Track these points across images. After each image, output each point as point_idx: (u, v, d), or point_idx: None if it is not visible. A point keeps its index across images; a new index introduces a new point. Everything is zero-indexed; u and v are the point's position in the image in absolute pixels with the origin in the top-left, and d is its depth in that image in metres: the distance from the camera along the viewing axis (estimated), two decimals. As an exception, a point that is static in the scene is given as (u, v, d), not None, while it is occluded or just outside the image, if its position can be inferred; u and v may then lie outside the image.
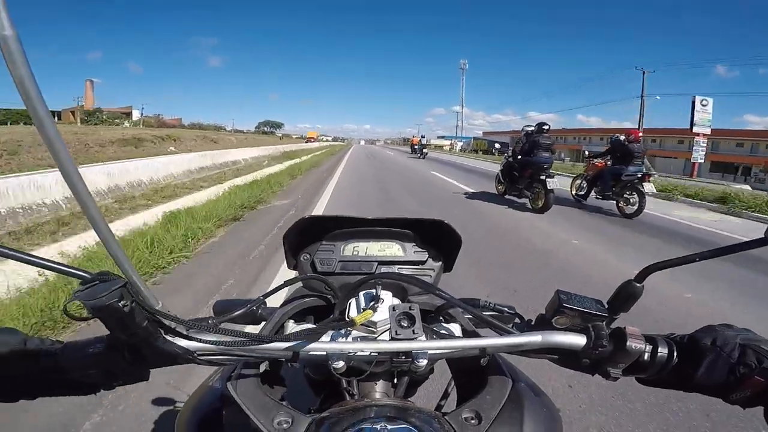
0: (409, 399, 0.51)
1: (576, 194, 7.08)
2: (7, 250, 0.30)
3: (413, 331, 0.39)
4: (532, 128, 6.37)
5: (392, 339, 0.39)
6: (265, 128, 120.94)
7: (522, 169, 6.26)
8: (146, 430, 1.35)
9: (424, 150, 22.71)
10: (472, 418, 0.38)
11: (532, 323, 0.45)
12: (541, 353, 0.41)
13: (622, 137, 6.21)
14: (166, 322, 0.35)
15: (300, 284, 0.54)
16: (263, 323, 0.51)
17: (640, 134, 6.27)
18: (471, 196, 7.72)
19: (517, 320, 0.48)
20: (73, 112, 61.67)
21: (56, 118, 57.12)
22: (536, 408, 0.41)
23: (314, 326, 0.46)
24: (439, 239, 0.57)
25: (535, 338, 0.39)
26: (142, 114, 66.00)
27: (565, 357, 0.41)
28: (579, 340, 0.39)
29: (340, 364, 0.38)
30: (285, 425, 0.36)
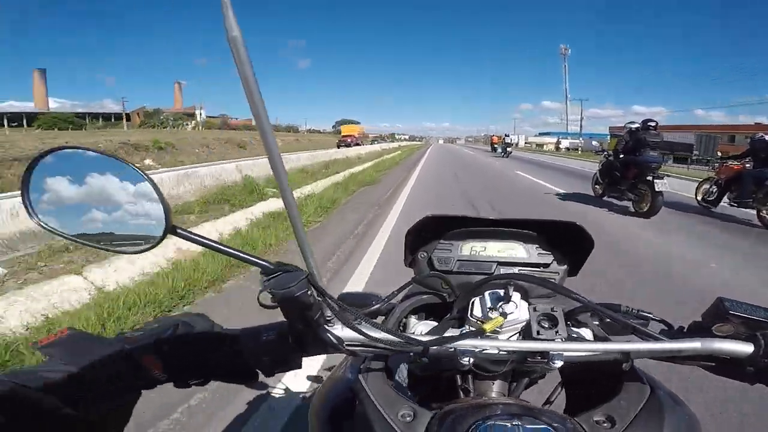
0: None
1: (703, 200, 7.00)
2: (198, 238, 0.39)
3: (556, 332, 0.45)
4: (637, 125, 6.52)
5: (533, 338, 0.45)
6: (341, 127, 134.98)
7: (625, 169, 6.41)
8: (281, 415, 1.63)
9: (508, 149, 25.11)
10: (605, 422, 0.42)
11: (684, 330, 0.49)
12: (695, 361, 0.45)
13: (767, 136, 6.06)
14: (334, 313, 0.43)
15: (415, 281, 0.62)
16: (381, 317, 0.58)
17: None
18: (564, 197, 8.16)
19: (663, 327, 0.51)
20: (138, 114, 73.40)
21: (125, 119, 68.34)
22: (676, 418, 0.44)
23: (437, 324, 0.53)
24: (567, 242, 0.61)
25: (693, 345, 0.43)
26: (200, 114, 73.40)
27: (723, 365, 0.44)
28: (745, 348, 0.42)
29: (468, 360, 0.45)
30: (408, 418, 0.42)
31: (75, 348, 0.41)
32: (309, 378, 1.16)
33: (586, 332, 0.53)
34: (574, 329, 0.53)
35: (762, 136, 6.20)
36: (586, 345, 0.45)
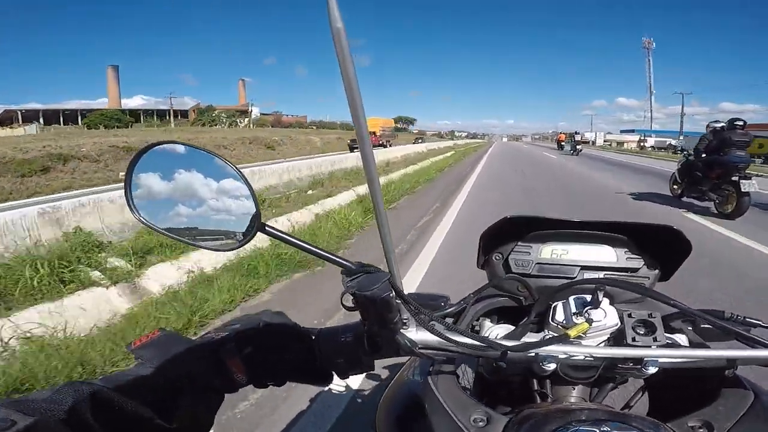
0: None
1: None
2: (286, 236, 0.42)
3: (654, 338, 0.45)
4: (722, 124, 6.59)
5: (628, 345, 0.46)
6: (398, 124, 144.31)
7: (708, 169, 6.46)
8: (348, 414, 1.72)
9: (577, 147, 26.89)
10: (701, 427, 0.42)
11: None
12: None
13: None
14: (413, 316, 0.44)
15: (488, 282, 0.64)
16: (448, 319, 0.58)
17: None
18: (638, 197, 8.16)
19: None
20: (194, 111, 76.61)
21: (171, 116, 71.00)
22: None
23: (514, 327, 0.55)
24: (659, 246, 0.62)
25: None
26: (251, 111, 75.97)
27: None
28: None
29: (552, 366, 0.45)
30: (481, 423, 0.43)
31: (166, 350, 0.42)
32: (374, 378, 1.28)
33: (681, 338, 0.54)
34: (668, 335, 0.53)
35: None
36: (686, 351, 0.46)
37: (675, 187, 7.68)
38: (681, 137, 47.56)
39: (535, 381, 0.55)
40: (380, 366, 0.60)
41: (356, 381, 1.84)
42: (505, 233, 0.64)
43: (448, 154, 22.17)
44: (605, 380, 0.57)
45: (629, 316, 0.49)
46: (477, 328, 0.60)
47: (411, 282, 3.29)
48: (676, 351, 0.46)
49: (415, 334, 0.46)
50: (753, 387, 0.49)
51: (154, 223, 0.46)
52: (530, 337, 0.51)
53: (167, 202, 0.45)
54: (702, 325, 0.53)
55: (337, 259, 0.44)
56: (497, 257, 0.66)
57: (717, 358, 0.45)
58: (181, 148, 0.46)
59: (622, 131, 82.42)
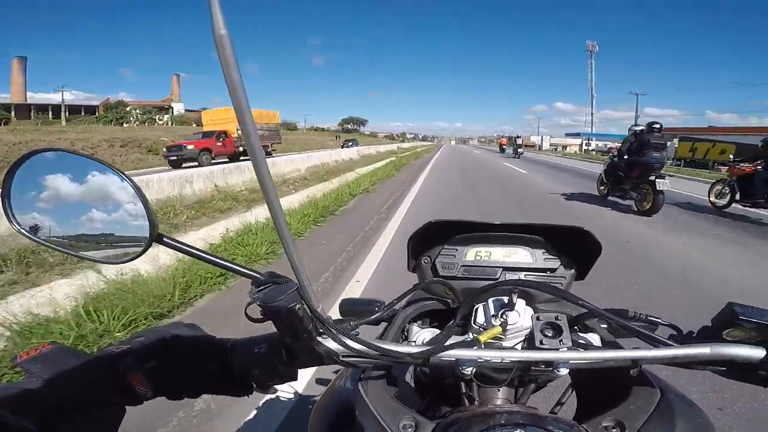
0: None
1: (715, 201, 7.83)
2: (185, 247, 0.41)
3: (560, 341, 0.48)
4: (641, 128, 7.49)
5: (536, 348, 0.48)
6: (348, 125, 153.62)
7: (629, 169, 7.29)
8: (278, 427, 1.73)
9: (519, 150, 30.01)
10: (614, 428, 0.46)
11: (694, 335, 0.52)
12: (705, 366, 0.49)
13: None
14: (325, 325, 0.45)
15: (420, 286, 0.66)
16: (383, 324, 0.63)
17: None
18: (569, 197, 9.05)
19: (673, 332, 0.55)
20: (101, 107, 71.18)
21: (63, 112, 64.01)
22: (688, 421, 0.48)
23: (440, 331, 0.58)
24: (574, 246, 0.67)
25: (702, 350, 0.47)
26: (171, 109, 70.81)
27: (735, 370, 0.49)
28: (757, 352, 0.46)
29: (469, 370, 0.48)
30: (409, 429, 0.46)
31: (57, 364, 0.41)
32: (308, 387, 1.30)
33: (593, 337, 0.58)
34: (582, 335, 0.58)
35: None
36: (590, 354, 0.48)
37: (602, 187, 8.53)
38: (595, 141, 52.42)
39: (463, 384, 0.58)
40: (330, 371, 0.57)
41: (302, 387, 1.88)
42: (432, 237, 0.69)
43: (382, 163, 16.87)
44: (528, 381, 0.59)
45: (537, 319, 0.52)
46: (408, 332, 0.63)
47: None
48: (580, 354, 0.49)
49: (333, 343, 0.47)
50: (660, 384, 0.53)
51: (38, 235, 0.45)
52: (454, 340, 0.53)
53: (53, 212, 0.45)
54: (625, 323, 0.56)
55: (244, 270, 0.44)
56: (426, 260, 0.71)
57: (620, 359, 0.48)
58: (69, 156, 0.45)
59: (567, 135, 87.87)
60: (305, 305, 0.43)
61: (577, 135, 77.59)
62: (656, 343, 0.51)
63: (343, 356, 0.48)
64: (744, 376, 0.49)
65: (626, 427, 0.46)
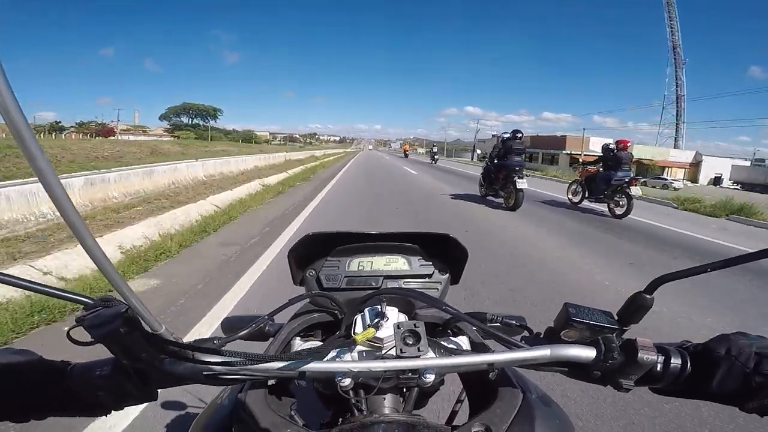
0: (419, 411, 0.62)
1: (572, 198, 9.58)
2: (8, 278, 0.36)
3: (418, 348, 0.48)
4: (508, 135, 8.72)
5: (398, 357, 0.48)
6: (180, 118, 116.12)
7: (497, 171, 8.62)
8: None
9: (435, 156, 32.05)
10: None
11: (541, 336, 0.54)
12: (550, 366, 0.51)
13: (612, 146, 8.50)
14: (161, 345, 0.43)
15: (308, 300, 0.66)
16: (270, 339, 0.62)
17: (629, 143, 8.46)
18: (456, 197, 10.31)
19: (525, 333, 0.57)
20: None
21: None
22: (548, 420, 0.50)
23: (320, 344, 0.57)
24: (445, 252, 0.70)
25: (544, 352, 0.48)
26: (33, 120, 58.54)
27: (575, 370, 0.50)
28: (589, 353, 0.48)
29: (347, 381, 0.47)
30: None
31: None
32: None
33: (463, 340, 0.60)
34: (453, 338, 0.61)
35: (608, 145, 8.60)
36: (447, 360, 0.49)
37: (481, 188, 9.73)
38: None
39: (351, 393, 0.54)
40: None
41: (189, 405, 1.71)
42: (313, 250, 0.70)
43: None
44: (409, 388, 0.58)
45: (398, 327, 0.50)
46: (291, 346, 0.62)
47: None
48: (440, 360, 0.49)
49: (185, 363, 0.46)
50: (522, 384, 0.55)
51: None
52: (337, 352, 0.53)
53: None
54: (482, 326, 0.56)
55: (71, 296, 0.41)
56: (311, 273, 0.72)
57: (478, 363, 0.49)
58: None
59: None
60: (139, 327, 0.41)
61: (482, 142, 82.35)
62: (509, 345, 0.52)
63: (207, 375, 0.47)
64: (583, 375, 0.51)
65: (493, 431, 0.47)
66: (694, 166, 49.88)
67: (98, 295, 0.43)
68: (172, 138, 68.89)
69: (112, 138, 45.35)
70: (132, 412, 1.80)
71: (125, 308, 0.40)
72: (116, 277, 0.35)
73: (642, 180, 9.20)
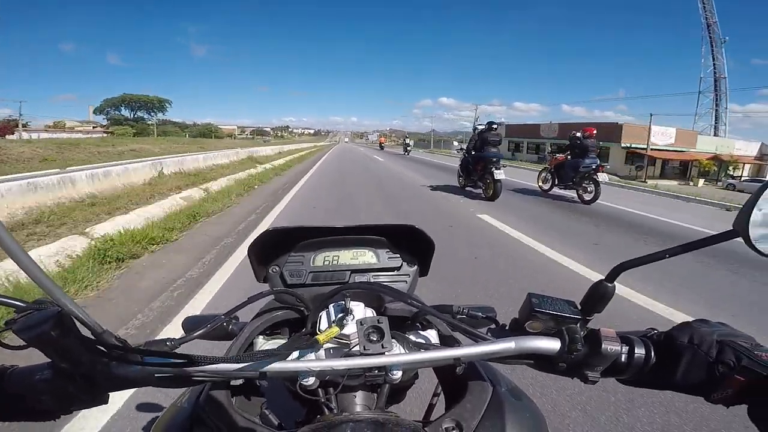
0: (393, 406, 0.61)
1: (542, 186, 9.96)
2: None
3: (382, 345, 0.47)
4: (484, 126, 8.95)
5: (361, 354, 0.47)
6: (117, 111, 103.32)
7: (475, 163, 8.81)
8: None
9: (408, 148, 33.95)
10: (453, 428, 0.46)
11: (507, 328, 0.54)
12: (516, 359, 0.50)
13: (579, 134, 8.77)
14: (112, 349, 0.41)
15: (272, 297, 0.64)
16: (234, 338, 0.59)
17: (594, 131, 8.82)
18: (434, 188, 10.46)
19: (492, 325, 0.57)
20: None
21: None
22: (518, 413, 0.50)
23: (283, 342, 0.55)
24: (412, 244, 0.68)
25: (509, 345, 0.48)
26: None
27: (541, 362, 0.50)
28: (553, 344, 0.47)
29: (311, 380, 0.46)
30: None
31: None
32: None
33: (431, 334, 0.58)
34: (422, 332, 0.59)
35: (574, 133, 8.94)
36: (412, 356, 0.48)
37: (460, 179, 9.91)
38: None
39: (321, 392, 0.52)
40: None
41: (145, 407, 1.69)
42: (276, 246, 0.68)
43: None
44: (377, 385, 0.56)
45: (361, 324, 0.49)
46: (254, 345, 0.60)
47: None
48: (405, 357, 0.48)
49: (143, 365, 0.45)
50: (492, 377, 0.55)
51: None
52: (301, 351, 0.50)
53: None
54: (448, 320, 0.55)
55: (2, 299, 0.41)
56: (274, 270, 0.69)
57: (444, 358, 0.48)
58: None
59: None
60: (74, 329, 0.40)
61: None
62: (475, 338, 0.51)
63: (160, 378, 0.46)
64: (549, 368, 0.50)
65: (464, 427, 0.47)
66: (759, 161, 40.79)
67: (34, 299, 0.43)
68: (107, 134, 62.37)
69: (11, 137, 39.18)
70: (92, 414, 1.76)
71: (57, 311, 0.39)
72: (48, 281, 0.34)
73: (607, 166, 9.43)
